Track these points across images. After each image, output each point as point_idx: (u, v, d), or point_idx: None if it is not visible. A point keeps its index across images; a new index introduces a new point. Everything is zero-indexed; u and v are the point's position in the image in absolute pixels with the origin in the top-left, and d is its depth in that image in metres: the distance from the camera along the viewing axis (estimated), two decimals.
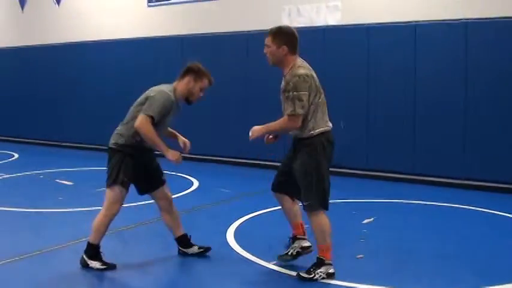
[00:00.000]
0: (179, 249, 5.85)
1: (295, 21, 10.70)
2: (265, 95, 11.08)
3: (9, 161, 12.69)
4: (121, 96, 12.83)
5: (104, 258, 5.45)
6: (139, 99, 5.44)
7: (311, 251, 5.48)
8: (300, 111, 4.90)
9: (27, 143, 15.40)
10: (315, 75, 5.06)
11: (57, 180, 9.87)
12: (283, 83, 5.08)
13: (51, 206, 7.84)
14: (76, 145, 14.44)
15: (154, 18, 12.99)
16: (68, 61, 14.44)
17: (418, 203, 8.25)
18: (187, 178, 9.99)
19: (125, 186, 5.37)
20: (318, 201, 5.02)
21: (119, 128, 5.51)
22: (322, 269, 5.06)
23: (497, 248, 6.13)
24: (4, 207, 7.87)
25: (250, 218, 7.25)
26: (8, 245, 6.24)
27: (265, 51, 5.14)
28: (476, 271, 5.38)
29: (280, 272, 5.33)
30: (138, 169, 5.45)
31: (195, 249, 5.81)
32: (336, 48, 10.34)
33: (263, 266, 5.50)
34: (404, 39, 9.70)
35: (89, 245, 5.43)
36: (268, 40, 5.10)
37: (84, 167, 11.50)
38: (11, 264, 5.57)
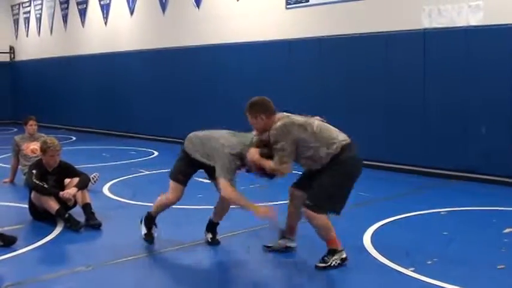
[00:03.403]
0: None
1: (435, 21, 10.42)
2: (408, 96, 10.88)
3: (150, 158, 13.26)
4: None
5: (153, 231, 6.30)
6: (212, 144, 5.89)
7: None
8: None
9: (166, 141, 15.82)
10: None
11: (196, 179, 10.13)
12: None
13: (191, 203, 8.05)
14: None
15: (292, 20, 13.03)
16: (207, 63, 14.83)
17: None
18: None
19: (180, 182, 6.12)
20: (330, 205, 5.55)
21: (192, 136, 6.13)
22: (336, 256, 5.55)
23: None
24: (144, 202, 8.18)
25: (388, 222, 7.14)
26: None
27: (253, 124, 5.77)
28: None
29: (417, 278, 5.21)
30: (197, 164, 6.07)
31: (209, 236, 6.35)
32: (478, 49, 9.94)
33: (400, 272, 5.40)
34: None
35: (148, 213, 6.36)
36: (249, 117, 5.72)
37: None
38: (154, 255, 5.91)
